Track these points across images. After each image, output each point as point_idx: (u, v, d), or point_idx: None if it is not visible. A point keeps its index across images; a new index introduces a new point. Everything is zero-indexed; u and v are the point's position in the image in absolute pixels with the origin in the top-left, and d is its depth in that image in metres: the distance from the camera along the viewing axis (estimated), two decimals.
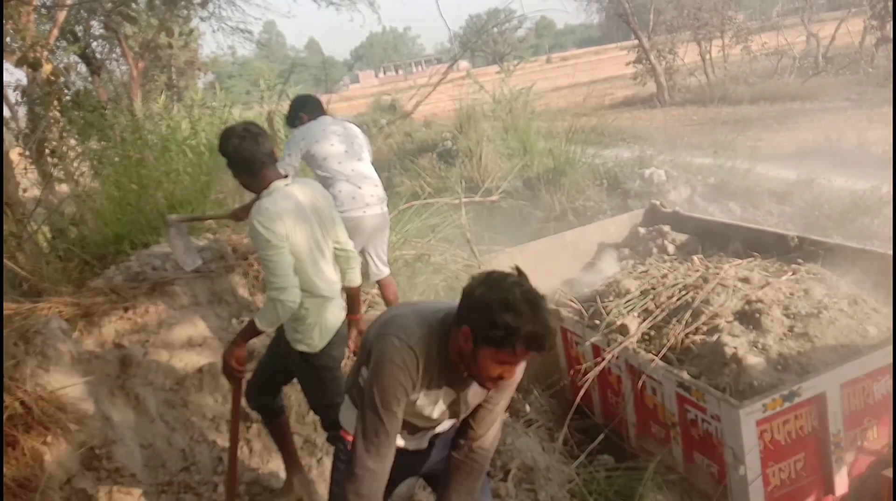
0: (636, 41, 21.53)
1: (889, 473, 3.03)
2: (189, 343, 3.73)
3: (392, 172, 10.14)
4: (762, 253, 4.51)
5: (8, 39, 6.20)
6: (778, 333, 3.49)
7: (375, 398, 1.95)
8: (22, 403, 2.75)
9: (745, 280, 3.94)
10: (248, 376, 2.97)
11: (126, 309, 3.69)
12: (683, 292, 3.94)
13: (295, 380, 3.01)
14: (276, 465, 3.37)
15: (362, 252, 4.20)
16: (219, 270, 4.20)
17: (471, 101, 11.41)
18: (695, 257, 4.54)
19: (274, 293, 2.60)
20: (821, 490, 3.10)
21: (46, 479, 2.62)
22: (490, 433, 2.17)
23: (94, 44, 11.78)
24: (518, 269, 1.89)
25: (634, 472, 3.44)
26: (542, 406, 4.17)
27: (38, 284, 4.03)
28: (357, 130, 4.32)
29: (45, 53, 6.27)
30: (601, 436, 3.74)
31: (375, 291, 4.69)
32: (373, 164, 4.36)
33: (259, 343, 3.37)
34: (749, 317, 3.64)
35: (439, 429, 2.20)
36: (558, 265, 5.58)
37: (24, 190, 5.87)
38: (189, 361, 3.60)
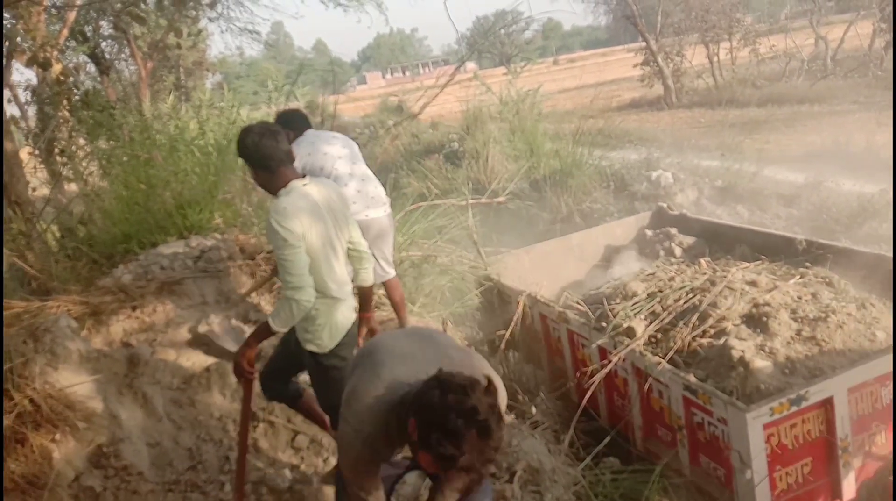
0: (643, 43, 21.50)
1: None
2: (197, 343, 3.75)
3: (399, 173, 10.14)
4: (770, 256, 4.49)
5: (18, 39, 6.24)
6: (785, 336, 3.48)
7: (350, 482, 2.08)
8: (31, 400, 2.77)
9: (753, 284, 3.93)
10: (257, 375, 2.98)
11: (134, 308, 3.72)
12: (690, 295, 3.93)
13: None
14: (281, 465, 3.38)
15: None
16: (226, 269, 4.21)
17: (478, 102, 11.42)
18: (702, 260, 4.53)
19: (289, 293, 2.61)
20: (828, 495, 3.08)
21: (55, 476, 2.64)
22: None
23: (104, 44, 11.83)
24: (488, 380, 1.82)
25: (640, 475, 3.43)
26: (548, 408, 4.16)
27: (47, 282, 4.06)
28: (355, 144, 4.33)
29: (55, 53, 6.32)
30: (607, 439, 3.73)
31: (382, 291, 4.70)
32: (377, 166, 4.37)
33: (267, 344, 3.38)
34: (756, 320, 3.63)
35: None
36: (565, 267, 5.58)
37: (34, 189, 5.92)
38: (196, 360, 3.62)
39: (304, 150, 4.04)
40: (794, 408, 2.90)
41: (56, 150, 6.92)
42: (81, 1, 7.68)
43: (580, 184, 8.49)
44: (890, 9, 16.92)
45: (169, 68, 14.79)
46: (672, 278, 4.20)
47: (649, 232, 5.82)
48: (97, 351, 3.29)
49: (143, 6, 7.21)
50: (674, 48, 21.35)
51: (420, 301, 4.95)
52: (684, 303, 3.89)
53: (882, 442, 3.19)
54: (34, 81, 7.74)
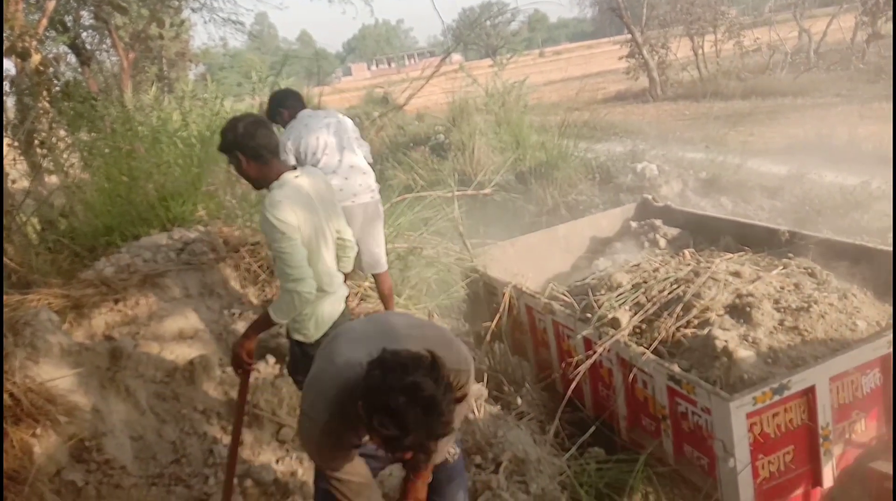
0: (629, 36, 21.52)
1: (877, 466, 3.06)
2: (180, 335, 3.72)
3: (384, 165, 10.11)
4: (753, 247, 4.53)
5: None
6: (768, 326, 3.51)
7: (325, 470, 2.05)
8: (11, 395, 2.73)
9: (736, 274, 3.96)
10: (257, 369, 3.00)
11: (116, 301, 3.68)
12: (675, 286, 3.95)
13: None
14: (266, 458, 3.36)
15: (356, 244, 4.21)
16: (210, 262, 4.18)
17: (463, 94, 11.38)
18: (686, 251, 4.55)
19: (290, 285, 2.60)
20: (809, 483, 3.12)
21: (36, 471, 2.61)
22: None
23: (84, 34, 11.67)
24: (432, 354, 1.78)
25: (625, 464, 3.45)
26: (533, 399, 4.18)
27: (28, 275, 4.00)
28: (346, 121, 4.29)
29: (34, 43, 6.21)
30: (592, 429, 3.75)
31: (367, 283, 4.69)
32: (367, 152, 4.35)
33: (264, 334, 3.38)
34: (740, 311, 3.66)
35: None
36: (550, 259, 5.59)
37: (13, 181, 5.83)
38: (180, 353, 3.59)
39: (297, 132, 4.04)
40: (777, 397, 2.93)
41: (36, 141, 6.81)
42: None
43: (566, 176, 8.50)
44: (872, 2, 17.06)
45: (151, 59, 14.63)
46: (657, 270, 4.22)
47: (634, 224, 5.84)
48: (79, 345, 3.25)
49: None
50: (659, 41, 21.39)
51: (406, 293, 4.94)
52: (669, 294, 3.91)
53: (862, 430, 3.23)
54: (13, 71, 7.62)
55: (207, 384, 3.53)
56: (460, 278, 5.21)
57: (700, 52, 21.45)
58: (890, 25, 16.83)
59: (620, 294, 4.01)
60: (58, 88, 6.35)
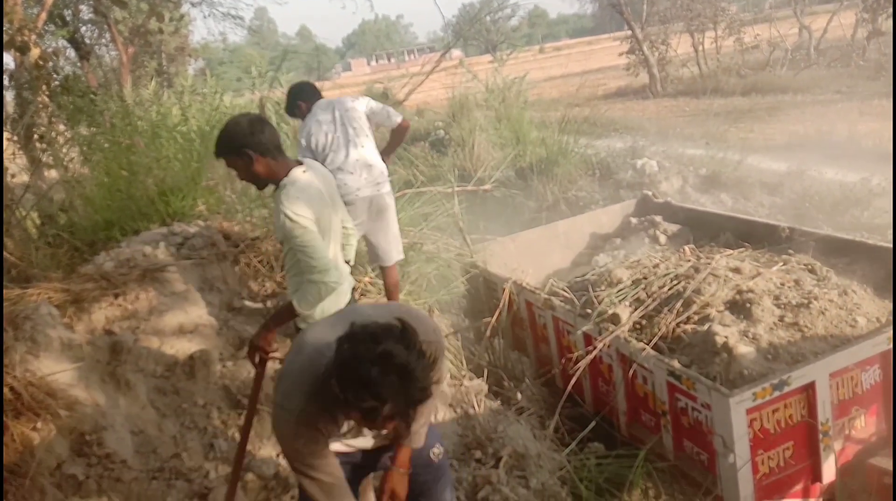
0: (629, 32, 21.50)
1: (877, 461, 3.06)
2: (180, 330, 3.72)
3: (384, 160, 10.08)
4: (753, 244, 4.53)
5: None
6: (768, 323, 3.51)
7: (298, 467, 1.99)
8: (11, 389, 2.73)
9: (736, 270, 3.96)
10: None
11: (116, 296, 3.67)
12: (675, 282, 3.95)
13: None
14: (267, 452, 3.36)
15: (364, 237, 4.22)
16: (210, 257, 4.18)
17: (463, 90, 11.37)
18: (686, 248, 4.55)
19: (317, 277, 2.63)
20: (809, 478, 3.13)
21: (36, 465, 2.61)
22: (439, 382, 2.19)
23: (83, 28, 11.63)
24: (402, 322, 1.76)
25: (625, 460, 3.46)
26: (533, 395, 4.18)
27: (28, 270, 4.00)
28: (356, 108, 4.26)
29: (33, 37, 6.19)
30: (592, 424, 3.76)
31: (367, 278, 4.69)
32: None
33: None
34: (740, 307, 3.66)
35: None
36: (550, 255, 5.59)
37: (13, 176, 5.81)
38: (180, 347, 3.58)
39: (308, 128, 4.15)
40: (777, 393, 2.93)
41: (35, 136, 6.79)
42: None
43: (566, 172, 8.49)
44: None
45: (151, 54, 14.60)
46: (657, 266, 4.22)
47: (634, 220, 5.84)
48: (79, 339, 3.25)
49: None
50: (659, 37, 21.36)
51: (406, 289, 4.94)
52: (669, 290, 3.91)
53: (861, 426, 3.24)
54: (12, 65, 7.59)
55: (208, 378, 3.53)
56: (460, 274, 5.21)
57: (700, 48, 21.42)
58: (890, 23, 16.82)
59: (620, 290, 4.01)
60: (57, 83, 6.33)
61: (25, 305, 3.23)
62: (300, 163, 2.81)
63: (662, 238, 5.44)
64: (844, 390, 3.16)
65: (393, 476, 2.25)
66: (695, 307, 3.72)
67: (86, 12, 11.27)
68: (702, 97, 16.85)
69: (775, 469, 3.04)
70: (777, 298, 3.67)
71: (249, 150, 2.65)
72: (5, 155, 5.61)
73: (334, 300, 2.85)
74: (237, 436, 3.37)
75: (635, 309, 3.87)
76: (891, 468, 2.98)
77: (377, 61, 75.78)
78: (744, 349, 3.34)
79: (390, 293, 4.36)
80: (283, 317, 2.79)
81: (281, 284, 4.26)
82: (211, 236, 4.34)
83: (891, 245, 4.00)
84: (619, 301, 3.93)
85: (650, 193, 6.16)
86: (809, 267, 4.01)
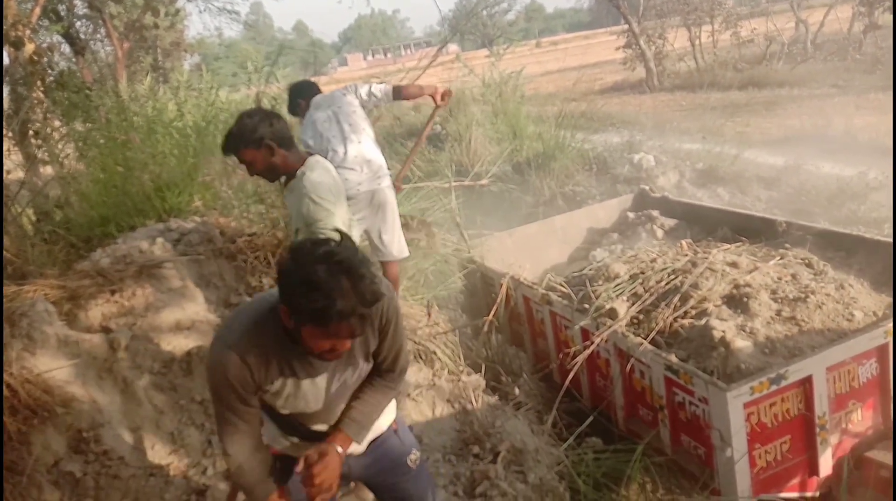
0: (626, 26, 21.46)
1: (874, 455, 3.07)
2: (177, 326, 3.71)
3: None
4: (750, 238, 4.53)
5: None
6: (765, 317, 3.52)
7: (213, 395, 1.96)
8: (8, 386, 2.72)
9: (734, 265, 3.96)
10: None
11: (113, 292, 3.66)
12: (672, 277, 3.95)
13: None
14: None
15: (366, 232, 4.22)
16: (206, 253, 4.16)
17: (460, 84, 11.35)
18: (683, 242, 4.56)
19: None
20: (806, 472, 3.14)
21: (33, 462, 2.60)
22: (398, 364, 2.13)
23: (78, 24, 11.59)
24: (340, 232, 1.78)
25: (622, 454, 3.46)
26: (531, 389, 4.19)
27: (23, 266, 3.98)
28: (351, 104, 4.26)
29: (28, 33, 6.17)
30: (590, 419, 3.76)
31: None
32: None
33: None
34: (737, 301, 3.67)
35: (372, 435, 2.19)
36: (548, 250, 5.59)
37: (8, 172, 5.80)
38: (177, 344, 3.57)
39: (307, 127, 4.21)
40: (774, 387, 2.94)
41: (30, 132, 6.77)
42: None
43: (563, 167, 8.49)
44: None
45: (146, 49, 14.54)
46: (654, 260, 4.22)
47: (631, 214, 5.84)
48: (75, 336, 3.24)
49: None
50: (656, 31, 21.34)
51: (404, 284, 4.93)
52: (666, 284, 3.92)
53: (858, 420, 3.25)
54: (6, 60, 7.56)
55: (205, 374, 3.52)
56: (458, 270, 5.21)
57: (697, 42, 21.41)
58: (887, 16, 16.83)
59: (618, 285, 4.01)
60: (52, 78, 6.32)
61: (22, 301, 3.22)
62: (311, 154, 2.84)
63: (660, 233, 5.44)
64: (841, 384, 3.16)
65: (327, 451, 1.97)
66: (692, 302, 3.72)
67: (80, 7, 11.23)
68: (698, 91, 16.85)
69: (772, 462, 3.05)
70: (774, 292, 3.67)
71: (271, 141, 2.67)
72: None
73: None
74: None
75: (633, 304, 3.87)
76: (888, 461, 2.99)
77: (373, 56, 75.61)
78: (741, 343, 3.34)
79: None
80: None
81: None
82: (207, 232, 4.32)
83: (888, 239, 4.01)
84: (617, 296, 3.93)
85: (647, 187, 6.16)
86: (806, 261, 4.02)
